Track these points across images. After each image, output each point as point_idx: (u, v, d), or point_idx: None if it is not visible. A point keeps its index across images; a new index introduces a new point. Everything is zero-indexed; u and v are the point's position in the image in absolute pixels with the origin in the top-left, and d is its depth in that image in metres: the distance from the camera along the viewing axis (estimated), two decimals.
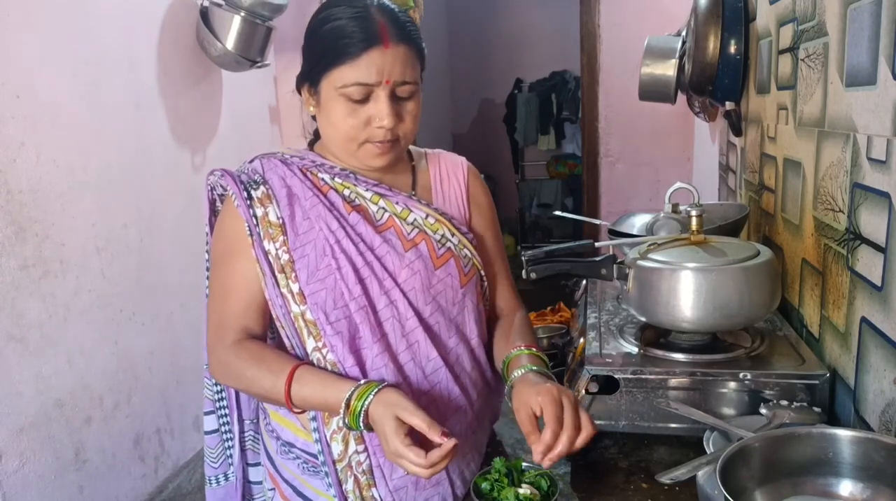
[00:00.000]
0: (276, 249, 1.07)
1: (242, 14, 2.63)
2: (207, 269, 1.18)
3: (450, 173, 1.22)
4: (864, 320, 1.06)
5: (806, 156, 1.34)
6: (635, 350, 1.27)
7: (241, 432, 1.24)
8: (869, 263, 1.03)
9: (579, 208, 4.96)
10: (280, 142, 3.53)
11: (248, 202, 1.09)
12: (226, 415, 1.24)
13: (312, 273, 1.06)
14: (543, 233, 6.44)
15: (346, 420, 0.99)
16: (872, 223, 1.02)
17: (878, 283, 1.00)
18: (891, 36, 0.94)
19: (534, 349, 1.12)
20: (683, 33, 2.45)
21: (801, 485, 0.87)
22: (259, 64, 2.79)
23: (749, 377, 1.15)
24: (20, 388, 1.83)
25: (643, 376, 1.19)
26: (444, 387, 1.11)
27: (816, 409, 1.08)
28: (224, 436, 1.25)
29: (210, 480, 1.28)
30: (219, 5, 2.63)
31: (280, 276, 1.07)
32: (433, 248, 1.12)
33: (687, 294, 1.18)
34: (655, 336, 1.33)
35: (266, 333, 1.15)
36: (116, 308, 2.21)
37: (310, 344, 1.07)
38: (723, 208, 1.79)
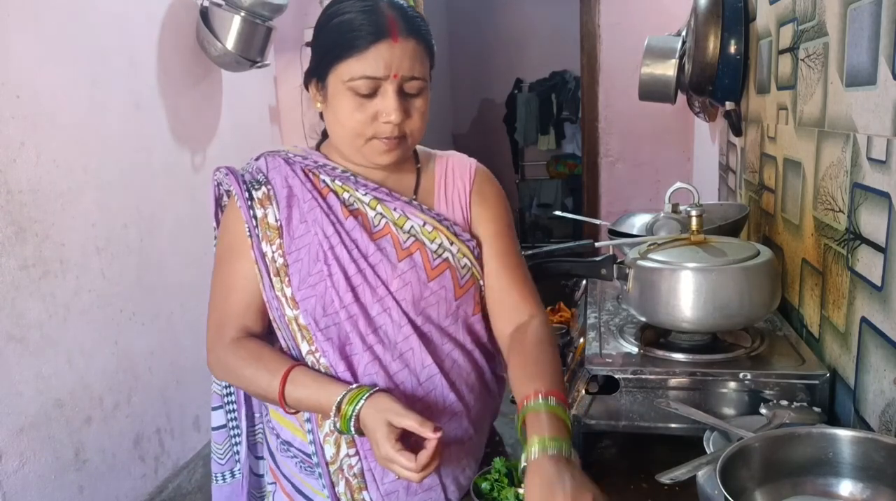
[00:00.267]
0: (273, 252, 1.07)
1: (242, 14, 2.63)
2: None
3: (455, 176, 1.18)
4: (864, 320, 1.06)
5: (806, 156, 1.34)
6: (635, 350, 1.27)
7: (251, 427, 1.24)
8: (869, 263, 1.03)
9: (579, 208, 4.96)
10: (280, 142, 3.53)
11: (249, 203, 1.09)
12: (234, 410, 1.23)
13: (304, 278, 1.06)
14: (543, 233, 6.44)
15: (337, 424, 0.99)
16: (872, 223, 1.02)
17: (878, 283, 1.00)
18: (891, 36, 0.94)
19: (554, 399, 0.96)
20: (683, 33, 2.45)
21: (801, 485, 0.87)
22: (259, 64, 2.79)
23: (749, 377, 1.15)
24: (20, 388, 1.83)
25: (643, 376, 1.19)
26: (439, 394, 1.10)
27: (816, 409, 1.08)
28: (231, 432, 1.25)
29: (216, 477, 1.27)
30: (219, 5, 2.63)
31: (275, 279, 1.07)
32: (428, 259, 1.09)
33: (687, 294, 1.18)
34: (655, 336, 1.33)
35: (265, 332, 1.15)
36: (116, 308, 2.21)
37: (304, 347, 1.07)
38: (723, 208, 1.79)
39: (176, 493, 2.44)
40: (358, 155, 1.08)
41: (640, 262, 1.24)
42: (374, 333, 1.06)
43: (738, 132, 1.99)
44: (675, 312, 1.19)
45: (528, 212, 6.42)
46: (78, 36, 2.09)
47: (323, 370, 1.06)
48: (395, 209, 1.10)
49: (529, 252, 1.27)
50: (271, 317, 1.10)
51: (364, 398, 0.97)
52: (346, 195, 1.10)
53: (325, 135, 1.18)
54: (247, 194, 1.09)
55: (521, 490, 1.06)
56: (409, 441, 0.94)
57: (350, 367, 1.06)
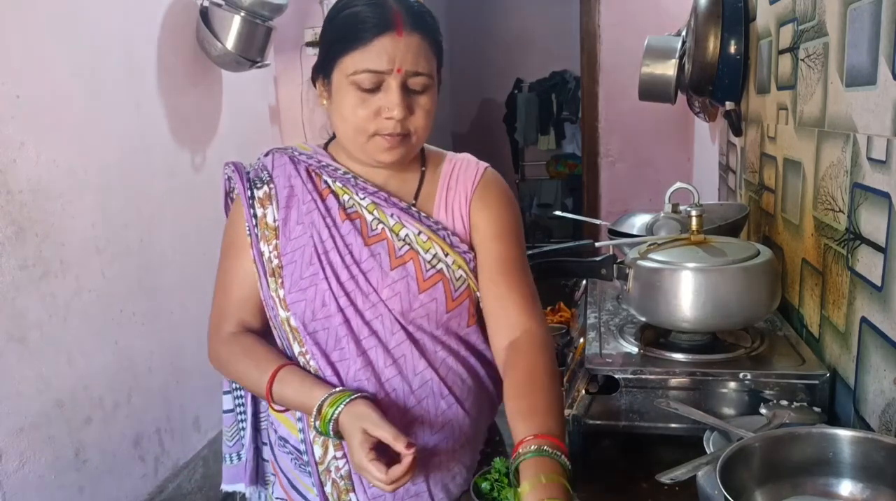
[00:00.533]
0: (270, 252, 1.08)
1: (242, 14, 2.63)
2: None
3: (458, 182, 1.12)
4: (864, 320, 1.06)
5: (806, 156, 1.34)
6: (635, 350, 1.27)
7: (256, 414, 1.25)
8: (869, 263, 1.03)
9: (579, 208, 4.96)
10: (280, 142, 3.53)
11: (251, 201, 1.09)
12: (241, 396, 1.24)
13: (295, 282, 1.06)
14: (543, 233, 6.44)
15: (318, 426, 0.99)
16: (872, 223, 1.02)
17: (878, 283, 1.00)
18: (891, 36, 0.94)
19: (548, 445, 0.89)
20: (683, 33, 2.45)
21: (801, 485, 0.87)
22: (259, 64, 2.79)
23: (749, 377, 1.15)
24: (20, 388, 1.83)
25: (643, 376, 1.19)
26: (432, 401, 1.08)
27: (816, 409, 1.08)
28: (239, 417, 1.26)
29: (226, 457, 1.29)
30: (219, 5, 2.63)
31: (270, 280, 1.07)
32: (421, 269, 1.06)
33: (687, 294, 1.18)
34: (655, 336, 1.33)
35: (264, 328, 1.15)
36: (116, 308, 2.21)
37: (295, 348, 1.08)
38: (723, 208, 1.79)
39: (176, 493, 2.44)
40: (361, 152, 1.06)
41: (640, 262, 1.24)
42: (367, 338, 1.06)
43: (738, 132, 1.99)
44: (675, 312, 1.19)
45: (528, 212, 6.42)
46: (78, 36, 2.09)
47: (313, 371, 1.06)
48: (391, 215, 1.07)
49: (530, 252, 1.27)
50: (268, 316, 1.11)
51: (344, 403, 0.97)
52: (345, 198, 1.09)
53: (334, 135, 1.17)
54: (249, 192, 1.09)
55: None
56: (388, 451, 0.94)
57: (336, 372, 1.05)
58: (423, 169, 1.14)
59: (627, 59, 3.60)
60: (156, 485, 2.37)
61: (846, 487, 0.86)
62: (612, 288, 1.62)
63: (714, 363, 1.20)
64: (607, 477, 1.18)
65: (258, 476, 1.27)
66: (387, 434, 0.92)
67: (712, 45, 1.84)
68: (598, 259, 1.30)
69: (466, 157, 1.16)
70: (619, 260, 1.30)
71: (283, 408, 1.08)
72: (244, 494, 1.28)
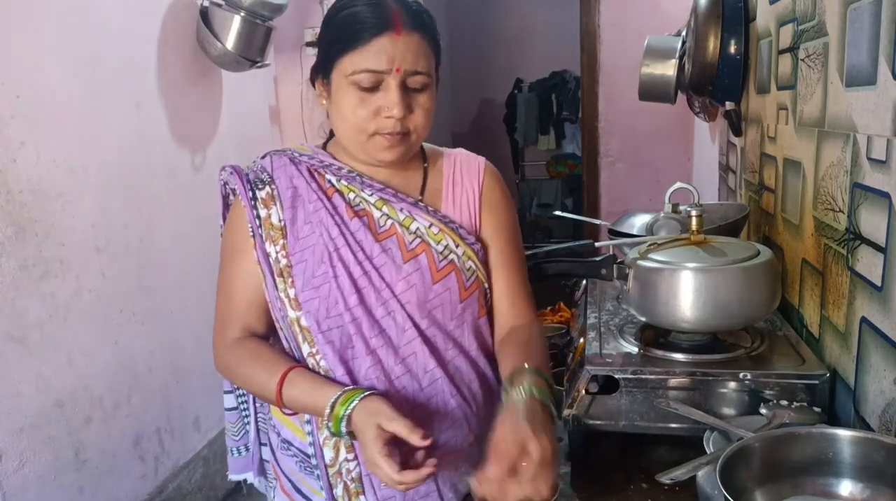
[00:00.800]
0: (277, 252, 1.07)
1: (242, 14, 2.63)
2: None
3: (464, 175, 1.15)
4: (864, 320, 1.06)
5: (806, 156, 1.34)
6: (635, 350, 1.27)
7: (256, 413, 1.25)
8: (869, 263, 1.03)
9: (579, 208, 4.96)
10: (280, 142, 3.53)
11: (253, 202, 1.08)
12: (244, 394, 1.25)
13: (308, 280, 1.05)
14: (543, 233, 6.44)
15: (330, 426, 0.98)
16: (872, 223, 1.02)
17: (878, 283, 1.00)
18: (891, 36, 0.94)
19: (541, 371, 1.02)
20: (683, 33, 2.45)
21: (801, 485, 0.87)
22: (259, 64, 2.79)
23: (749, 377, 1.15)
24: (20, 388, 1.83)
25: (643, 376, 1.19)
26: (440, 400, 1.09)
27: (816, 409, 1.08)
28: (243, 413, 1.26)
29: (232, 450, 1.29)
30: (219, 5, 2.63)
31: (279, 280, 1.06)
32: (433, 260, 1.08)
33: (687, 294, 1.18)
34: (655, 336, 1.33)
35: (268, 332, 1.14)
36: (116, 308, 2.21)
37: (305, 348, 1.07)
38: (723, 208, 1.79)
39: (176, 493, 2.44)
40: (361, 151, 1.07)
41: (640, 262, 1.24)
42: (378, 336, 1.06)
43: (738, 132, 1.99)
44: (675, 312, 1.19)
45: (528, 212, 6.42)
46: (78, 36, 2.09)
47: (323, 372, 1.06)
48: (401, 210, 1.09)
49: (529, 252, 1.27)
50: (274, 318, 1.10)
51: (357, 400, 0.96)
52: (351, 195, 1.09)
53: (332, 134, 1.17)
54: (250, 193, 1.09)
55: None
56: (402, 448, 0.93)
57: (349, 371, 1.05)
58: (426, 165, 1.16)
59: (627, 59, 3.60)
60: (156, 485, 2.37)
61: (846, 487, 0.86)
62: (612, 288, 1.62)
63: (714, 363, 1.20)
64: (607, 477, 1.18)
65: (263, 470, 1.29)
66: (401, 427, 0.92)
67: (712, 45, 1.84)
68: (598, 259, 1.30)
69: (463, 152, 1.20)
70: (619, 260, 1.30)
71: (290, 411, 1.07)
72: (251, 484, 1.29)
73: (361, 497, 1.08)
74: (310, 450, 1.10)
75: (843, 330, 1.14)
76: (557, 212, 2.16)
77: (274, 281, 1.07)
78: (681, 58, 2.47)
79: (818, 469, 0.87)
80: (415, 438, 0.91)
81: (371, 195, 1.09)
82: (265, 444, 1.26)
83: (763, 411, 1.07)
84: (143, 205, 2.38)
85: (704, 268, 1.18)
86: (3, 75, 1.80)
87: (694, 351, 1.24)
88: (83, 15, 2.11)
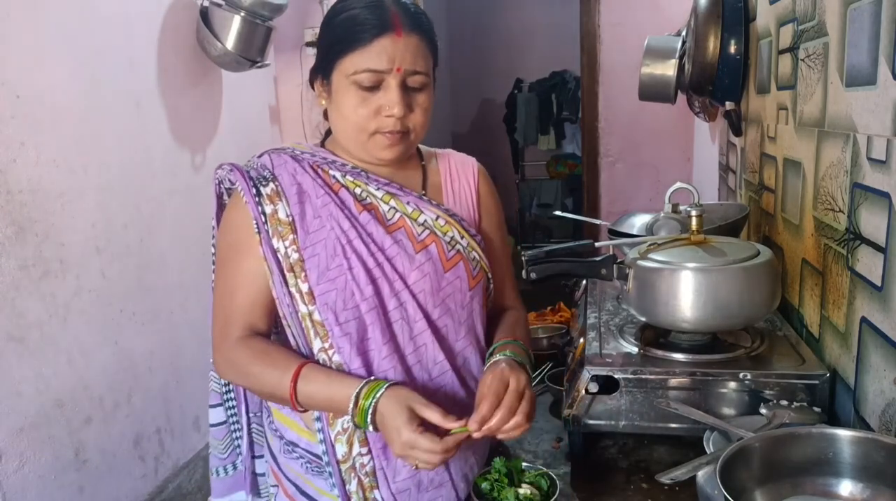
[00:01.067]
0: (286, 247, 1.07)
1: (242, 14, 2.63)
2: (214, 263, 1.17)
3: (460, 174, 1.21)
4: (864, 320, 1.06)
5: (806, 156, 1.34)
6: (635, 350, 1.27)
7: (248, 424, 1.24)
8: (869, 263, 1.03)
9: (579, 208, 4.96)
10: (280, 142, 3.52)
11: (257, 199, 1.08)
12: (234, 407, 1.24)
13: (323, 273, 1.06)
14: (543, 233, 6.44)
15: (354, 418, 0.99)
16: (872, 223, 1.02)
17: (878, 283, 1.00)
18: (891, 36, 0.94)
19: (521, 342, 1.14)
20: (683, 33, 2.45)
21: (801, 485, 0.87)
22: (259, 64, 2.79)
23: (749, 377, 1.15)
24: (20, 388, 1.83)
25: (643, 376, 1.19)
26: (449, 390, 1.11)
27: (816, 409, 1.08)
28: (232, 427, 1.25)
29: (216, 471, 1.27)
30: (219, 5, 2.63)
31: (289, 275, 1.06)
32: (443, 250, 1.11)
33: (687, 294, 1.18)
34: (655, 336, 1.33)
35: (271, 331, 1.14)
36: (116, 308, 2.21)
37: (316, 344, 1.07)
38: (723, 208, 1.79)
39: (176, 493, 2.44)
40: (362, 150, 1.10)
41: (640, 262, 1.24)
42: (391, 328, 1.07)
43: (738, 132, 1.99)
44: (675, 312, 1.19)
45: (528, 212, 6.42)
46: (78, 36, 2.09)
47: (335, 367, 1.06)
48: (408, 203, 1.12)
49: (530, 252, 1.28)
50: (281, 314, 1.09)
51: (383, 389, 0.98)
52: (357, 190, 1.11)
53: (327, 134, 1.19)
54: (254, 190, 1.08)
55: (521, 490, 1.06)
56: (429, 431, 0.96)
57: (366, 362, 1.06)
58: (423, 163, 1.20)
59: (627, 59, 3.60)
60: (156, 485, 2.37)
61: (846, 487, 0.86)
62: (612, 288, 1.62)
63: (714, 363, 1.20)
64: (607, 477, 1.18)
65: (257, 486, 1.27)
66: (435, 414, 0.95)
67: (712, 45, 1.84)
68: (598, 259, 1.30)
69: (453, 152, 1.26)
70: (619, 260, 1.29)
71: (302, 409, 1.06)
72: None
73: (376, 492, 1.08)
74: (319, 449, 1.10)
75: (843, 330, 1.14)
76: (557, 212, 2.15)
77: (283, 276, 1.07)
78: (681, 58, 2.47)
79: (818, 469, 0.87)
80: (450, 423, 0.95)
81: (377, 189, 1.11)
82: (260, 456, 1.25)
83: (763, 411, 1.07)
84: (143, 205, 2.38)
85: (704, 268, 1.18)
86: (3, 75, 1.80)
87: (694, 351, 1.24)
88: (83, 15, 2.11)
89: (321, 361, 1.07)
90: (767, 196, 1.67)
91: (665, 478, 0.93)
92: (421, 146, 1.21)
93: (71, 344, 2.01)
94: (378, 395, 0.97)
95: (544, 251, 1.29)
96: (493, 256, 1.21)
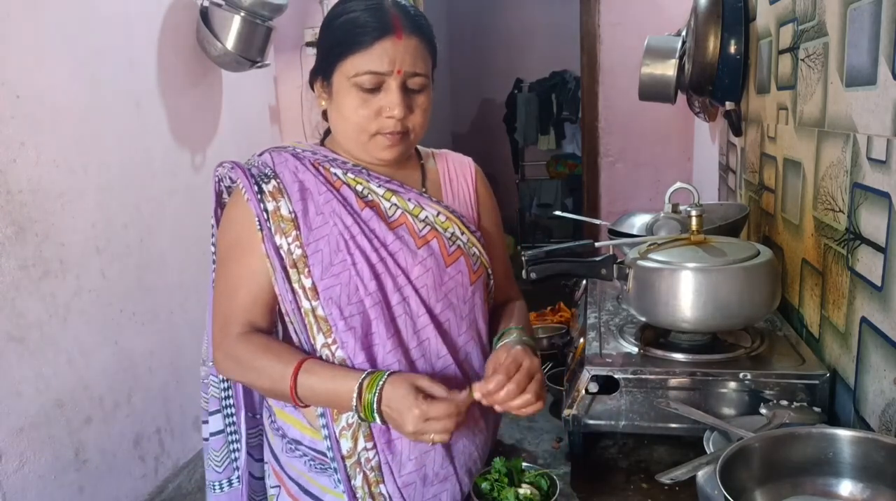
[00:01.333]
0: (289, 244, 1.07)
1: (242, 14, 2.63)
2: (214, 261, 1.17)
3: (458, 172, 1.23)
4: (864, 320, 1.06)
5: (806, 156, 1.34)
6: (635, 350, 1.27)
7: (250, 429, 1.23)
8: (869, 263, 1.03)
9: (579, 208, 4.96)
10: (280, 141, 3.52)
11: (259, 196, 1.08)
12: (232, 414, 1.23)
13: (327, 268, 1.06)
14: (543, 233, 6.44)
15: (360, 411, 0.99)
16: (872, 223, 1.02)
17: (878, 283, 1.00)
18: (891, 36, 0.94)
19: (524, 328, 1.17)
20: (683, 33, 2.45)
21: (801, 485, 0.87)
22: (259, 64, 2.79)
23: (749, 377, 1.15)
24: (20, 388, 1.83)
25: (643, 376, 1.19)
26: (453, 385, 1.09)
27: (816, 409, 1.08)
28: (230, 438, 1.24)
29: (213, 486, 1.27)
30: (219, 5, 2.63)
31: (292, 271, 1.07)
32: (444, 246, 1.13)
33: (687, 294, 1.18)
34: (655, 336, 1.33)
35: (272, 329, 1.14)
36: (116, 308, 2.22)
37: (319, 340, 1.07)
38: (723, 208, 1.79)
39: (176, 493, 2.44)
40: (362, 151, 1.11)
41: (640, 262, 1.24)
42: (395, 322, 1.08)
43: (738, 132, 1.99)
44: (675, 312, 1.19)
45: (528, 212, 6.41)
46: (78, 36, 2.09)
47: (338, 362, 1.06)
48: (409, 200, 1.13)
49: (530, 252, 1.28)
50: (283, 311, 1.10)
51: (384, 377, 0.99)
52: (359, 187, 1.12)
53: (326, 133, 1.20)
54: (256, 187, 1.09)
55: (521, 490, 1.06)
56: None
57: (370, 357, 1.06)
58: (422, 162, 1.22)
59: (627, 59, 3.60)
60: (156, 485, 2.37)
61: (846, 487, 0.86)
62: (612, 288, 1.62)
63: (714, 363, 1.20)
64: (607, 477, 1.18)
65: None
66: (441, 389, 0.97)
67: (712, 45, 1.84)
68: (598, 259, 1.30)
69: (450, 152, 1.28)
70: (619, 260, 1.29)
71: (302, 404, 1.06)
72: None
73: (381, 486, 1.08)
74: (323, 445, 1.10)
75: (843, 330, 1.14)
76: (557, 212, 2.16)
77: (286, 272, 1.07)
78: (681, 58, 2.47)
79: (818, 469, 0.87)
80: (455, 396, 0.97)
81: (379, 187, 1.12)
82: (259, 459, 1.25)
83: (763, 411, 1.07)
84: (143, 205, 2.38)
85: (704, 268, 1.18)
86: (3, 75, 1.80)
87: (694, 351, 1.24)
88: (83, 15, 2.11)
89: (324, 357, 1.07)
90: (767, 196, 1.67)
91: (665, 478, 0.93)
92: (418, 146, 1.22)
93: (71, 344, 2.01)
94: (381, 384, 0.98)
95: (544, 251, 1.29)
96: (493, 253, 1.22)
